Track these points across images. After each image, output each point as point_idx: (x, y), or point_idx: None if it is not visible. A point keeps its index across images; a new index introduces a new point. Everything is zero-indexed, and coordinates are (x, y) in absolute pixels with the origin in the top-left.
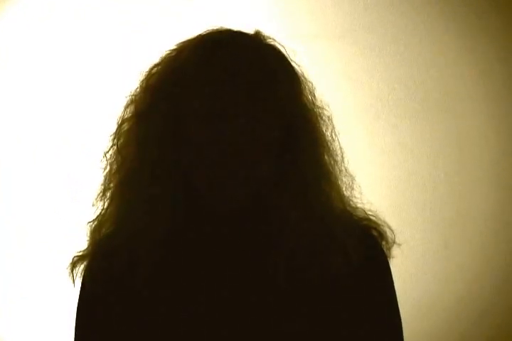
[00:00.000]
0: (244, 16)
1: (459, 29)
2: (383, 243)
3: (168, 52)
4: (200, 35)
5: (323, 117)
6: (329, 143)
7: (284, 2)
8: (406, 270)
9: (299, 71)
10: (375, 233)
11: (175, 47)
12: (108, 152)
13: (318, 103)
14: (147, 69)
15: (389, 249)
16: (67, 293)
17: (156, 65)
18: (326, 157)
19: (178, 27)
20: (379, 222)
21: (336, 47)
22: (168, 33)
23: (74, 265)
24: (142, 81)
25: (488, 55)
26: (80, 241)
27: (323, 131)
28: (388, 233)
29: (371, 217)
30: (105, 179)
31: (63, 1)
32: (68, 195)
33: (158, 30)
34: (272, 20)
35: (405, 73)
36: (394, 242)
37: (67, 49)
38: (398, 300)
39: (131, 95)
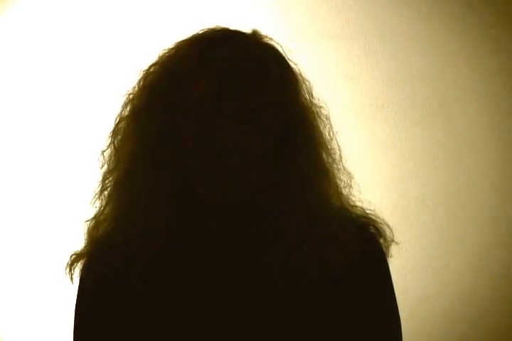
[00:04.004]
0: (243, 16)
1: (459, 29)
2: (381, 240)
3: (164, 51)
4: (195, 34)
5: (321, 116)
6: (327, 142)
7: (284, 2)
8: (404, 269)
9: (296, 70)
10: (373, 230)
11: (172, 46)
12: (105, 151)
13: (316, 102)
14: (145, 68)
15: (387, 247)
16: (67, 292)
17: (153, 64)
18: (324, 155)
19: (177, 26)
20: (377, 220)
21: (335, 47)
22: (166, 32)
23: (72, 263)
24: (139, 80)
25: (488, 54)
26: (79, 241)
27: (321, 130)
28: (387, 231)
29: (369, 215)
30: (103, 178)
31: (63, 1)
32: (68, 195)
33: (157, 30)
34: (272, 20)
35: (404, 73)
36: (392, 240)
37: (67, 49)
38: (397, 299)
39: (129, 94)
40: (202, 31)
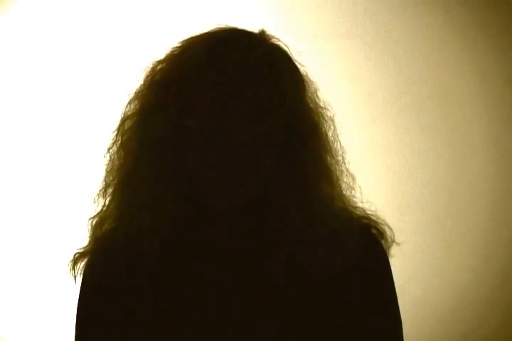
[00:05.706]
0: (243, 16)
1: (459, 29)
2: (383, 241)
3: (173, 49)
4: (205, 33)
5: (326, 117)
6: (331, 143)
7: (284, 2)
8: (405, 269)
9: (303, 71)
10: (374, 231)
11: (180, 44)
12: (111, 148)
13: (321, 103)
14: (151, 65)
15: (388, 248)
16: (69, 291)
17: (160, 62)
18: (327, 157)
19: (177, 26)
20: (379, 221)
21: (336, 47)
22: (169, 31)
23: (75, 262)
24: (146, 77)
25: (488, 54)
26: (82, 239)
27: (325, 131)
28: (388, 232)
29: (371, 216)
30: (107, 175)
31: (63, 1)
32: (72, 193)
33: (160, 29)
34: (272, 20)
35: (406, 73)
36: (393, 241)
37: (68, 48)
38: (398, 299)
39: (135, 91)
40: (211, 30)
